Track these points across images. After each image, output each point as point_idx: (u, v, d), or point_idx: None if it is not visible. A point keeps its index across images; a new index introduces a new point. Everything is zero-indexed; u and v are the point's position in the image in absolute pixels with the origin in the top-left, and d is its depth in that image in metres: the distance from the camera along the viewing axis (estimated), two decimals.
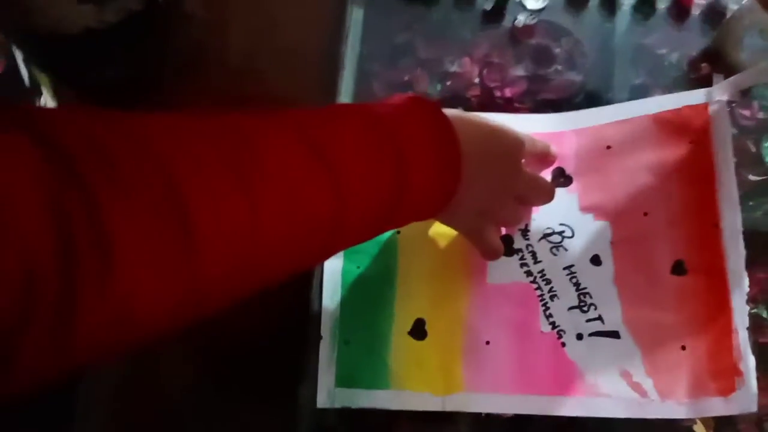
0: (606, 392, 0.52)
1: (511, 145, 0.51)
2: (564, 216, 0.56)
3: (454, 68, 0.61)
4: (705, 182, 0.54)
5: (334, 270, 0.56)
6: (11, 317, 0.25)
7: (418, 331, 0.54)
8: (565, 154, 0.57)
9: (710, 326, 0.52)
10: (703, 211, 0.54)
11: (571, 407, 0.52)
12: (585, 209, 0.56)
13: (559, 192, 0.56)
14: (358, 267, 0.56)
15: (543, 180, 0.55)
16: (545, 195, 0.54)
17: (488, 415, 0.53)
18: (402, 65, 0.61)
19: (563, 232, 0.56)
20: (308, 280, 0.56)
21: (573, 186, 0.57)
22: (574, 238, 0.55)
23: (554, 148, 0.56)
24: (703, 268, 0.53)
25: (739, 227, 0.53)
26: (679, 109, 0.56)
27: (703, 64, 0.60)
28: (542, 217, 0.56)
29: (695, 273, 0.53)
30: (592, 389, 0.52)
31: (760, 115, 0.59)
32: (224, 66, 0.59)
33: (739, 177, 0.57)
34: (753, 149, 0.59)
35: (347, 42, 0.60)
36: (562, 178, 0.57)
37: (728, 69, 0.59)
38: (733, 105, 0.59)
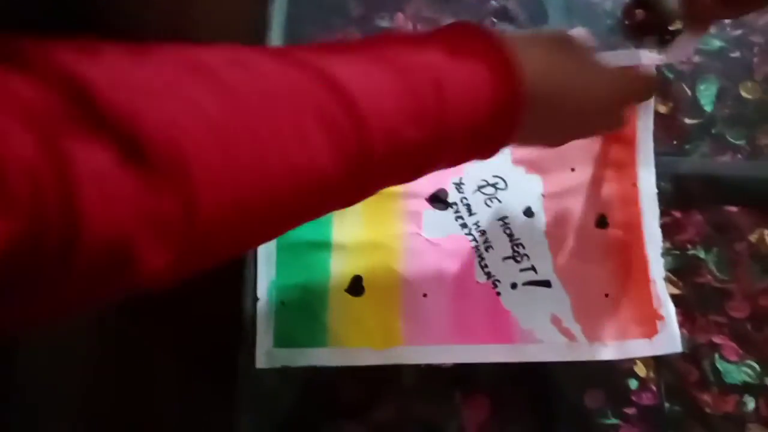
0: (539, 338, 0.53)
1: (606, 105, 0.42)
2: (497, 168, 0.56)
3: (385, 24, 0.61)
4: (627, 144, 0.56)
5: None
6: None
7: (356, 288, 0.55)
8: None
9: (630, 276, 0.54)
10: (623, 171, 0.56)
11: (507, 354, 0.53)
12: (517, 162, 0.56)
13: None
14: None
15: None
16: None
17: (429, 366, 0.54)
18: (333, 24, 0.61)
19: (497, 183, 0.56)
20: None
21: None
22: (507, 190, 0.56)
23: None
24: (622, 223, 0.55)
25: (654, 189, 0.55)
26: None
27: (638, 11, 0.60)
28: (476, 170, 0.56)
29: (616, 227, 0.55)
30: (526, 336, 0.53)
31: (696, 58, 0.59)
32: (146, 31, 0.58)
33: (676, 121, 0.58)
34: (689, 93, 0.59)
35: (274, 2, 0.60)
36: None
37: (660, 14, 0.59)
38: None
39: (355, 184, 0.34)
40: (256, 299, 0.55)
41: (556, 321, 0.53)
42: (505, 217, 0.55)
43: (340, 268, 0.55)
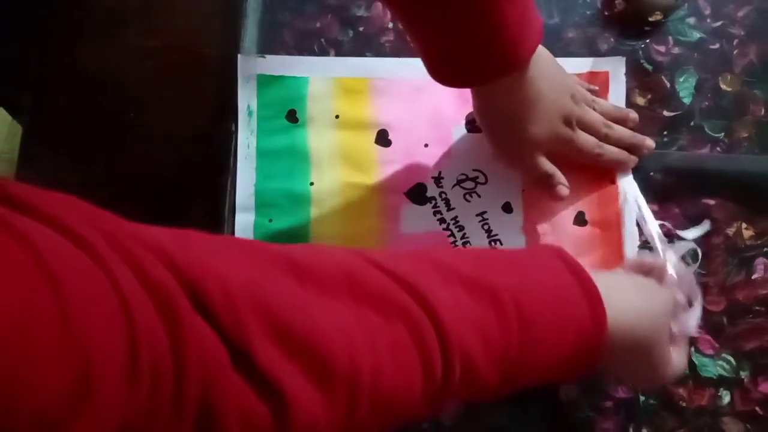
0: None
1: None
2: (478, 162, 0.56)
3: (362, 13, 0.59)
4: None
5: (245, 224, 0.55)
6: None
7: None
8: None
9: None
10: (602, 168, 0.55)
11: None
12: (498, 156, 0.55)
13: (474, 138, 0.56)
14: (271, 220, 0.55)
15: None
16: None
17: None
18: (309, 12, 0.59)
19: (477, 177, 0.55)
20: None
21: None
22: (487, 184, 0.55)
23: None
24: (601, 220, 0.55)
25: (635, 186, 0.55)
26: (582, 74, 0.57)
27: (617, 1, 0.59)
28: (456, 164, 0.56)
29: (594, 225, 0.55)
30: None
31: (675, 50, 0.59)
32: (122, 23, 0.56)
33: (654, 113, 0.57)
34: (667, 85, 0.58)
35: None
36: (477, 123, 0.56)
37: (640, 5, 0.58)
38: (648, 42, 0.59)
39: (428, 407, 0.36)
40: None
41: None
42: (484, 212, 0.55)
43: None
